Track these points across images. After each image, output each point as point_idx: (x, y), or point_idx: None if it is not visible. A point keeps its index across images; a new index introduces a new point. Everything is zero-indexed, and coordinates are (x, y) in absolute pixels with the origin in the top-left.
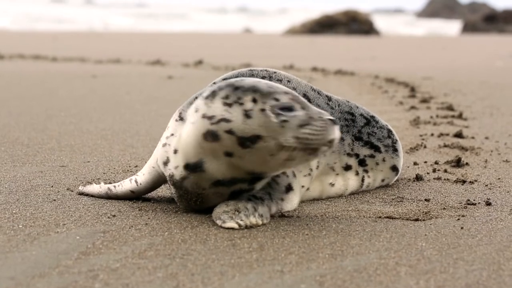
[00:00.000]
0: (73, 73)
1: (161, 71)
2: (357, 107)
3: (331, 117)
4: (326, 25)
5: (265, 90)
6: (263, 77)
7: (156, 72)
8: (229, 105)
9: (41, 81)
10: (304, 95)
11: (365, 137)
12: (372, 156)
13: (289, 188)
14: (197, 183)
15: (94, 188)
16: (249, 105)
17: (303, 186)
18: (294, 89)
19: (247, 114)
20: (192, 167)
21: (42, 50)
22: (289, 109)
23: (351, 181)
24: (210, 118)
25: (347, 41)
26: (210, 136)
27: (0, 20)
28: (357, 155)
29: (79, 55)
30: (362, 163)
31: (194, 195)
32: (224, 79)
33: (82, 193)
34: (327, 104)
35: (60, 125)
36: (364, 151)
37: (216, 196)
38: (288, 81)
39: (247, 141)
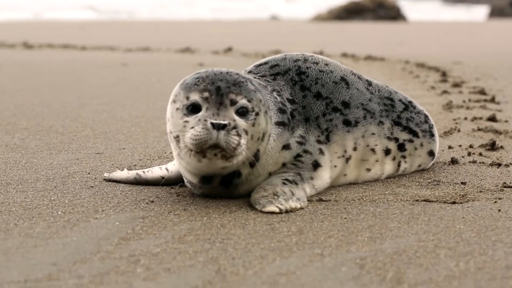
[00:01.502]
0: (103, 62)
1: (191, 59)
2: (396, 93)
3: (215, 121)
4: (353, 11)
5: (185, 88)
6: (297, 60)
7: (186, 59)
8: (170, 103)
9: (71, 70)
10: (342, 79)
11: (404, 122)
12: (410, 141)
13: (316, 165)
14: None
15: (121, 174)
16: (174, 104)
17: (335, 166)
18: (331, 72)
19: (171, 113)
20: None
21: (70, 39)
22: (199, 108)
23: (387, 166)
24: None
25: (374, 27)
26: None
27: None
28: (396, 139)
29: (108, 43)
30: (401, 147)
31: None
32: (258, 65)
33: (109, 180)
34: (367, 89)
35: (94, 113)
36: (403, 136)
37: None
38: (326, 64)
39: (175, 140)
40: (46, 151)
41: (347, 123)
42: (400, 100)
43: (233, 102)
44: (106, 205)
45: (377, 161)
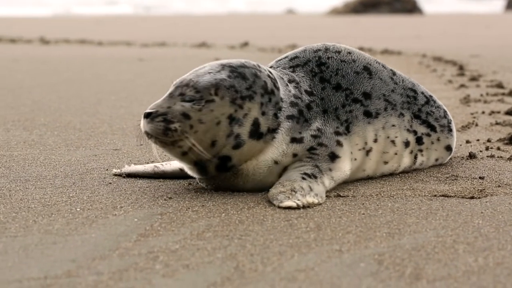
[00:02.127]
0: (120, 57)
1: (207, 54)
2: (419, 85)
3: (148, 110)
4: (369, 5)
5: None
6: (318, 50)
7: (203, 54)
8: None
9: (88, 65)
10: (365, 67)
11: (424, 116)
12: (428, 135)
13: (333, 157)
14: None
15: (138, 168)
16: None
17: (355, 159)
18: (354, 61)
19: None
20: None
21: (87, 34)
22: None
23: (405, 158)
24: None
25: (391, 20)
26: None
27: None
28: (415, 132)
29: (124, 39)
30: (419, 140)
31: None
32: (278, 60)
33: (125, 174)
34: (391, 78)
35: (111, 109)
36: (422, 129)
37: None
38: (349, 52)
39: None
40: (64, 147)
41: (368, 114)
42: (422, 93)
43: (181, 94)
44: (125, 201)
45: (396, 153)
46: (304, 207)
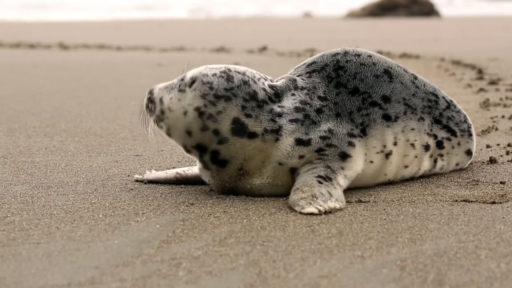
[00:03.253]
0: (139, 62)
1: (226, 58)
2: (440, 90)
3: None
4: (386, 8)
5: None
6: (336, 54)
7: (222, 59)
8: None
9: (107, 71)
10: (386, 71)
11: (445, 120)
12: (448, 139)
13: (344, 156)
14: None
15: (159, 174)
16: None
17: (372, 162)
18: (374, 64)
19: None
20: None
21: (106, 39)
22: None
23: (425, 162)
24: None
25: (408, 24)
26: None
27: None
28: (435, 136)
29: (143, 43)
30: (439, 145)
31: None
32: (297, 67)
33: (147, 181)
34: (412, 82)
35: (131, 115)
36: (442, 134)
37: None
38: (369, 55)
39: None
40: (85, 153)
41: (386, 117)
42: (443, 97)
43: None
44: (147, 208)
45: (416, 157)
46: (326, 212)
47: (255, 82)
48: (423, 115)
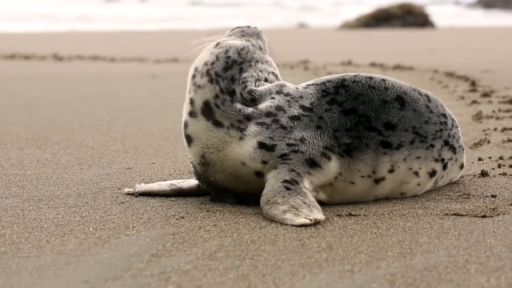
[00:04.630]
0: (133, 74)
1: None
2: (444, 106)
3: None
4: (381, 19)
5: None
6: (348, 74)
7: None
8: None
9: (101, 82)
10: (398, 98)
11: (451, 140)
12: (451, 158)
13: (312, 163)
14: None
15: (152, 186)
16: None
17: (353, 183)
18: (386, 89)
19: None
20: None
21: (100, 50)
22: None
23: (425, 188)
24: None
25: (403, 35)
26: None
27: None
28: (442, 160)
29: (137, 55)
30: (444, 167)
31: None
32: (316, 81)
33: (140, 193)
34: (427, 107)
35: (124, 127)
36: (448, 155)
37: None
38: (383, 80)
39: None
40: (77, 166)
41: (385, 145)
42: (450, 115)
43: None
44: (137, 221)
45: (418, 184)
46: (315, 222)
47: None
48: (434, 141)
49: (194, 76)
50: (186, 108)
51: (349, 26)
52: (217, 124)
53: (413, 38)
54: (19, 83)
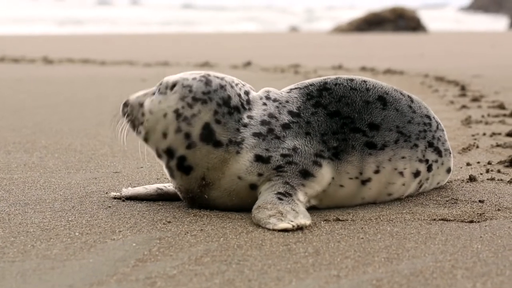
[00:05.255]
0: (122, 77)
1: None
2: (428, 108)
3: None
4: (373, 23)
5: None
6: (328, 77)
7: None
8: None
9: (91, 86)
10: (380, 98)
11: (436, 142)
12: (436, 161)
13: (306, 174)
14: None
15: (139, 190)
16: None
17: (342, 186)
18: (367, 90)
19: None
20: None
21: (90, 53)
22: None
23: (411, 187)
24: None
25: (394, 39)
26: None
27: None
28: (427, 161)
29: (127, 58)
30: (429, 168)
31: None
32: (298, 85)
33: (127, 197)
34: (410, 107)
35: (112, 131)
36: (433, 157)
37: None
38: (364, 81)
39: None
40: (64, 170)
41: (370, 145)
42: (434, 117)
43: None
44: (123, 225)
45: (403, 184)
46: (298, 228)
47: (232, 87)
48: (417, 141)
49: (179, 115)
50: (178, 145)
51: (341, 30)
52: (217, 144)
53: (404, 42)
54: (8, 86)
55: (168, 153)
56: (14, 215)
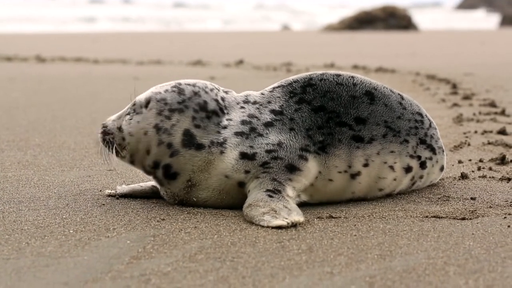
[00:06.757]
0: (115, 75)
1: (203, 72)
2: (419, 106)
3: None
4: (364, 21)
5: None
6: (315, 73)
7: (198, 73)
8: None
9: (84, 84)
10: (367, 93)
11: (428, 140)
12: (430, 158)
13: (292, 168)
14: None
15: (134, 187)
16: None
17: (331, 180)
18: (354, 85)
19: None
20: None
21: (83, 52)
22: None
23: (403, 183)
24: None
25: (386, 37)
26: None
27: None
28: (419, 157)
29: (120, 56)
30: (422, 165)
31: None
32: (282, 83)
33: (121, 195)
34: (400, 103)
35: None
36: (426, 154)
37: None
38: (351, 76)
39: None
40: (58, 168)
41: (357, 139)
42: (426, 115)
43: (129, 109)
44: (118, 223)
45: (395, 179)
46: (293, 225)
47: (206, 92)
48: (408, 137)
49: (159, 129)
50: (162, 156)
51: (332, 28)
52: (199, 147)
53: (396, 41)
54: (1, 84)
55: (154, 166)
56: (9, 213)
